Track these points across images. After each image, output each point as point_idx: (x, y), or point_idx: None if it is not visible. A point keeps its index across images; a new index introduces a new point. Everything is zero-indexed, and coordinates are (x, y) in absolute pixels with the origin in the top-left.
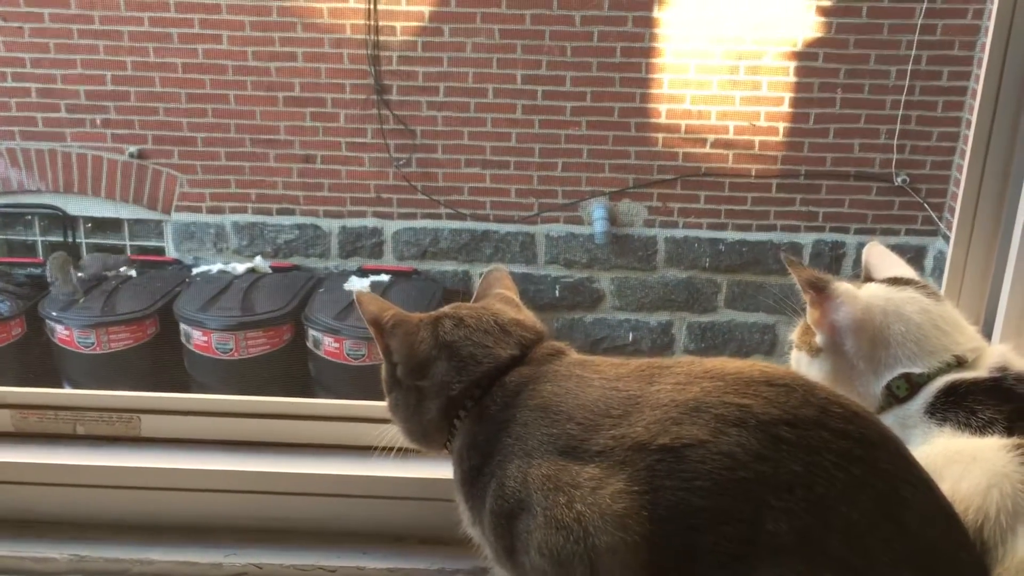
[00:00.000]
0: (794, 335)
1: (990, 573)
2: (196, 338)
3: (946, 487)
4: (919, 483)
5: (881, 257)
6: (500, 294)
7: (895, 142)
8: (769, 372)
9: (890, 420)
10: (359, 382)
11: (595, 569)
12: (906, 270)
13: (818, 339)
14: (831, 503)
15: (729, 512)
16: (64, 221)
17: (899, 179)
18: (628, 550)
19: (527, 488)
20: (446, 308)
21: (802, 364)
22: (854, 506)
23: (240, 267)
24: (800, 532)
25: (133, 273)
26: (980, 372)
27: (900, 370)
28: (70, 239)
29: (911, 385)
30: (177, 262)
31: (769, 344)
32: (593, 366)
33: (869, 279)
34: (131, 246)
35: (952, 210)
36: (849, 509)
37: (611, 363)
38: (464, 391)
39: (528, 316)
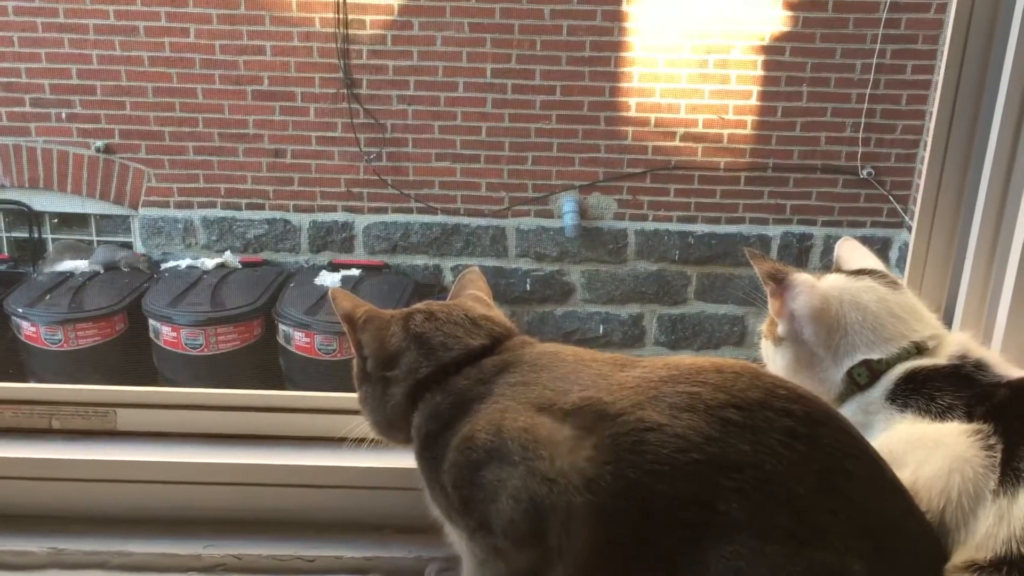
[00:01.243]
0: (763, 326)
1: (939, 540)
2: (165, 334)
3: (908, 472)
4: (863, 456)
5: (852, 251)
6: (472, 294)
7: (860, 135)
8: (719, 362)
9: (853, 407)
10: (330, 377)
11: (569, 521)
12: (875, 263)
13: (780, 329)
14: (778, 479)
15: (684, 495)
16: (29, 216)
17: (865, 172)
18: (594, 514)
19: (501, 437)
20: (418, 304)
21: (768, 353)
22: (800, 481)
23: (209, 262)
24: (750, 509)
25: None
26: (939, 359)
27: (859, 357)
28: (35, 235)
29: (871, 372)
30: (145, 257)
31: (739, 336)
32: (567, 348)
33: (839, 271)
34: (98, 242)
35: (916, 202)
36: (796, 484)
37: (584, 350)
38: (431, 375)
39: (498, 314)
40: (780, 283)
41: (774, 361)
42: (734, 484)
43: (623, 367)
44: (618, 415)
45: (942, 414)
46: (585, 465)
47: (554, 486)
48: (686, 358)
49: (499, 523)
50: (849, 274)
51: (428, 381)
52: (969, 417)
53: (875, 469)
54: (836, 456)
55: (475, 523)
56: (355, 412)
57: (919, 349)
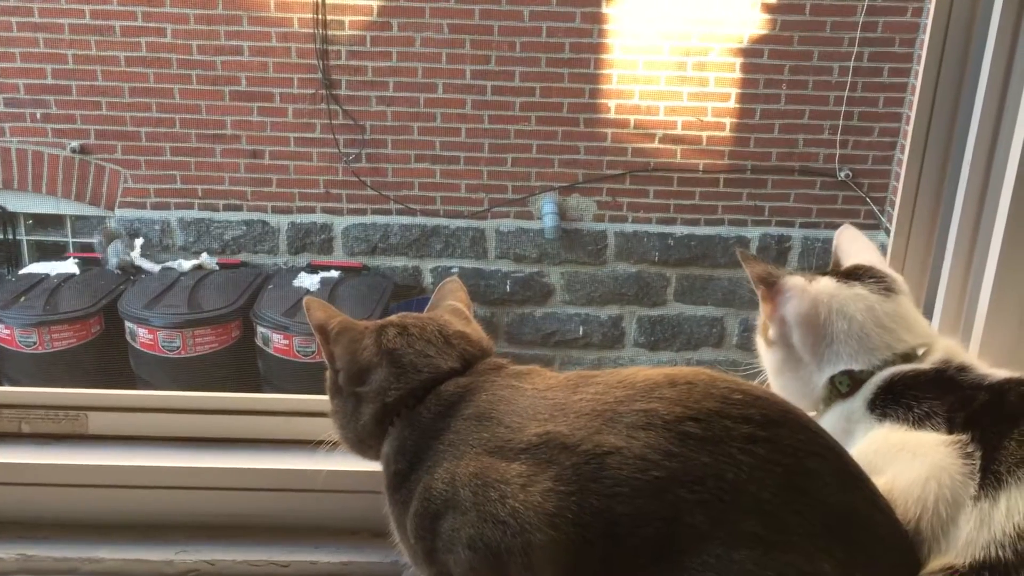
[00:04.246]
0: (759, 322)
1: (903, 528)
2: (142, 336)
3: (884, 480)
4: (826, 452)
5: (851, 241)
6: (451, 306)
7: (838, 137)
8: (673, 374)
9: (836, 414)
10: (309, 379)
11: (531, 561)
12: (874, 255)
13: (771, 332)
14: (741, 487)
15: (648, 514)
16: (4, 217)
17: (842, 174)
18: (559, 548)
19: (454, 487)
20: (393, 317)
21: (761, 350)
22: (764, 486)
23: (186, 264)
24: (715, 519)
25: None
26: (921, 366)
27: (842, 366)
28: (10, 236)
29: (853, 381)
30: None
31: (717, 337)
32: (528, 377)
33: (837, 264)
34: (74, 243)
35: (894, 204)
36: (759, 489)
37: (544, 374)
38: (400, 399)
39: (475, 330)
40: (771, 287)
41: (765, 360)
42: (697, 497)
43: (576, 388)
44: (577, 445)
45: (920, 422)
46: (541, 500)
47: (507, 528)
48: (640, 371)
49: (459, 571)
50: (842, 277)
51: (397, 405)
52: (949, 424)
53: (838, 463)
54: (798, 456)
55: (436, 571)
56: None
57: (905, 359)
